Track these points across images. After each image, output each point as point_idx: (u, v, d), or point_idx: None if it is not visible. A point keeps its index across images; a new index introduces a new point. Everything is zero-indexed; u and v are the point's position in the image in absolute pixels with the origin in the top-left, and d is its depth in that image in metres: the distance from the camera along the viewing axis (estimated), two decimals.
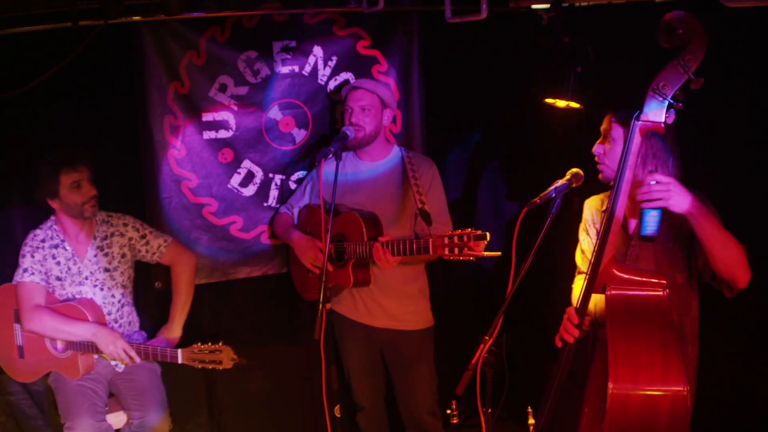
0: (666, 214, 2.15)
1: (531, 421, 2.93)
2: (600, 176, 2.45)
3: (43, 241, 3.04)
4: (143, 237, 3.20)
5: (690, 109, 2.13)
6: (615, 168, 2.25)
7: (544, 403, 2.30)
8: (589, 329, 2.35)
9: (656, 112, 2.08)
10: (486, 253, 2.53)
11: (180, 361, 2.94)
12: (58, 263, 3.06)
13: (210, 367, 2.92)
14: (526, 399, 3.30)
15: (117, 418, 3.14)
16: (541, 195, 2.28)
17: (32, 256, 3.01)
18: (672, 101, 2.07)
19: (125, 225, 3.18)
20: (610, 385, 2.01)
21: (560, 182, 2.33)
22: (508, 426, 3.88)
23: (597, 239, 2.22)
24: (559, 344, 2.28)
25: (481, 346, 2.25)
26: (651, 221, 2.14)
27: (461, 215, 3.74)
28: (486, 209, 3.95)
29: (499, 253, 2.52)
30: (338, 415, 3.17)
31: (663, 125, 2.10)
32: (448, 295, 3.88)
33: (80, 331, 2.97)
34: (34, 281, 3.00)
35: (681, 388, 2.00)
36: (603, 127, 2.44)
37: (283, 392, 3.76)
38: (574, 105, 2.94)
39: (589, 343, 2.33)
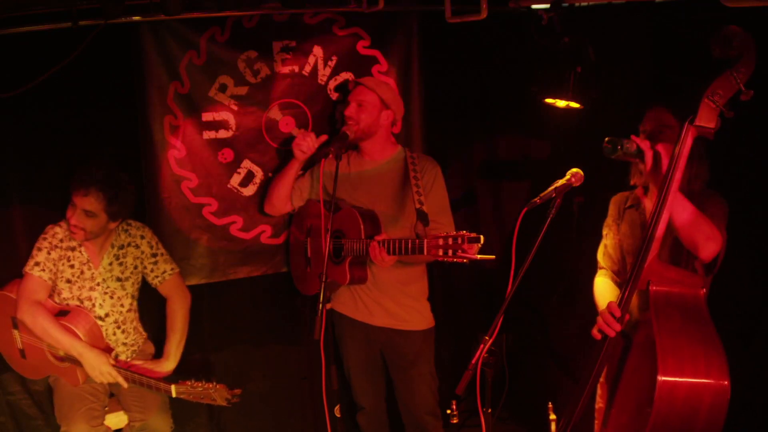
0: None
1: (552, 416, 2.94)
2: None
3: (61, 240, 3.01)
4: (154, 256, 3.18)
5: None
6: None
7: (576, 397, 2.36)
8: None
9: (708, 118, 2.18)
10: (479, 257, 2.51)
11: (173, 395, 2.90)
12: (72, 266, 3.03)
13: (204, 402, 2.88)
14: (526, 399, 3.31)
15: (118, 419, 3.14)
16: (542, 195, 2.29)
17: (48, 253, 2.97)
18: (723, 109, 2.17)
19: (142, 237, 3.17)
20: (659, 377, 2.08)
21: (560, 182, 2.34)
22: (508, 426, 3.89)
23: (645, 236, 2.28)
24: (598, 336, 2.34)
25: (481, 346, 2.26)
26: (629, 144, 2.30)
27: (461, 215, 3.74)
28: (486, 209, 3.95)
29: (493, 257, 2.51)
30: (338, 415, 3.18)
31: (713, 131, 2.20)
32: (448, 295, 3.88)
33: (68, 345, 2.91)
34: (42, 277, 2.96)
35: (723, 382, 2.09)
36: (662, 125, 2.44)
37: (283, 392, 3.76)
38: (574, 105, 2.95)
39: (612, 346, 2.36)
